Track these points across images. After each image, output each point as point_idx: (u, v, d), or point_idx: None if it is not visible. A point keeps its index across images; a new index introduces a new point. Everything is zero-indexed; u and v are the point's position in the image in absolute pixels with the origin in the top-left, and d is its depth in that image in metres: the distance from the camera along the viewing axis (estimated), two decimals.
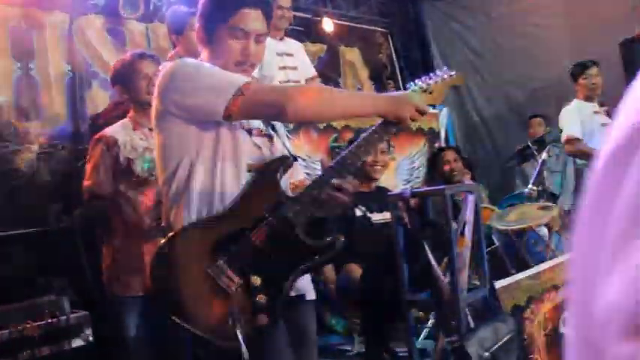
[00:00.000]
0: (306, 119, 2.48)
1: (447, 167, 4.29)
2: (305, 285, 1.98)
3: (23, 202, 3.70)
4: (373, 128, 1.87)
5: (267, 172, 1.82)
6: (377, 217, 3.08)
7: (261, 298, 1.68)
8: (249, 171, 1.83)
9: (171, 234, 1.75)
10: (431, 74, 1.99)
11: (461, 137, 6.74)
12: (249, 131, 1.88)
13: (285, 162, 1.85)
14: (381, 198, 3.06)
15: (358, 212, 3.03)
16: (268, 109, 1.80)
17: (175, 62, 1.90)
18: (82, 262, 3.30)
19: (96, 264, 3.03)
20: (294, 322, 1.89)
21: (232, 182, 1.80)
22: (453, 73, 2.01)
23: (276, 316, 1.69)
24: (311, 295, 2.03)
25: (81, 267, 3.29)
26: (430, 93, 1.94)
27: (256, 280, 1.69)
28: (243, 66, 1.88)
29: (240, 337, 1.57)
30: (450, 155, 4.39)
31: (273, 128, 1.99)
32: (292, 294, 1.79)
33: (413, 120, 1.86)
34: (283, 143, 1.98)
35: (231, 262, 1.69)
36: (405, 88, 2.03)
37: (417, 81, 1.97)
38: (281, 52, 4.24)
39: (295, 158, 1.92)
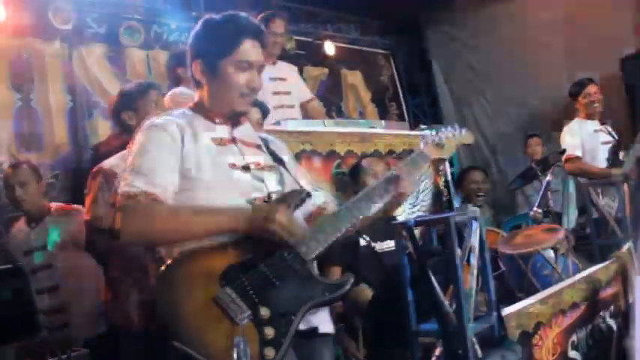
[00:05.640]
0: (139, 245, 2.09)
1: (474, 187, 4.32)
2: (319, 318, 1.95)
3: None
4: (374, 185, 1.97)
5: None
6: (381, 246, 3.03)
7: (269, 332, 1.64)
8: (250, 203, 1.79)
9: (176, 256, 1.69)
10: (442, 128, 2.24)
11: (464, 157, 6.72)
12: (246, 167, 1.85)
13: (299, 196, 1.79)
14: (386, 226, 3.00)
15: (362, 242, 2.99)
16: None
17: (146, 125, 1.82)
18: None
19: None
20: (305, 357, 1.84)
21: None
22: (463, 130, 2.28)
23: (283, 352, 1.65)
24: (325, 327, 1.99)
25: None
26: (442, 147, 2.18)
27: (265, 313, 1.66)
28: (249, 97, 1.88)
29: None
30: (478, 176, 4.46)
31: (281, 160, 1.96)
32: (303, 327, 1.76)
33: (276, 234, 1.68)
34: (291, 175, 1.96)
35: (241, 292, 1.66)
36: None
37: (428, 133, 2.18)
38: (274, 77, 4.22)
39: (309, 194, 1.85)
